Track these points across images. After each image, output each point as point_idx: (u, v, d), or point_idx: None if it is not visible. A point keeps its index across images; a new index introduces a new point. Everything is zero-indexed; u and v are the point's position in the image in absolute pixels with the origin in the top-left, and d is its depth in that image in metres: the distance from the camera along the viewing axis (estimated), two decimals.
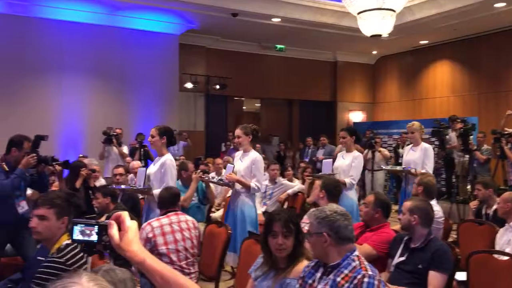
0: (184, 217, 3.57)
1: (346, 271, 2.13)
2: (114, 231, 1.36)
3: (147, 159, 8.23)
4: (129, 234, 1.37)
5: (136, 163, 6.88)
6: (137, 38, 10.34)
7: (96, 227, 1.43)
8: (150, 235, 3.31)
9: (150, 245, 3.30)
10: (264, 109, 14.86)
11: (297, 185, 6.55)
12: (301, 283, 2.31)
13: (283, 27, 10.66)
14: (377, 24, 7.49)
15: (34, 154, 4.28)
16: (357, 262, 2.16)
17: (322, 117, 13.82)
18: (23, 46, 9.19)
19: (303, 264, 2.42)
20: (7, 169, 4.32)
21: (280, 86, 13.03)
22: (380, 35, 7.85)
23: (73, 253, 2.40)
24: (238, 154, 4.79)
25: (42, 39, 9.40)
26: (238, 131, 4.62)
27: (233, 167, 4.64)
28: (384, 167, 7.30)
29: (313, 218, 2.24)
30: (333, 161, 5.41)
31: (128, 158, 8.14)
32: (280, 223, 2.44)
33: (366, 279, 2.05)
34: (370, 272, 2.09)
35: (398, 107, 13.77)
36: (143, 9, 9.64)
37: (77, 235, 1.45)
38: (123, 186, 4.92)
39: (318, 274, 2.26)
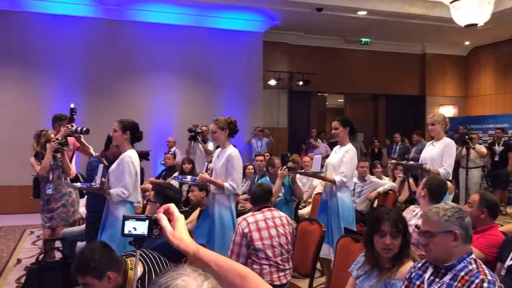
0: (278, 213, 3.57)
1: (462, 274, 1.99)
2: (165, 222, 1.36)
3: None
4: (180, 225, 1.37)
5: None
6: (222, 37, 10.56)
7: (146, 221, 1.45)
8: (246, 230, 3.34)
9: (246, 240, 3.32)
10: (348, 104, 14.56)
11: (387, 183, 6.32)
12: (408, 284, 2.21)
13: (369, 20, 10.36)
14: (472, 13, 7.03)
15: None
16: (474, 266, 2.01)
17: (410, 112, 13.28)
18: (118, 48, 9.75)
19: (409, 264, 2.31)
20: (107, 164, 4.59)
21: (365, 81, 12.70)
22: (475, 25, 7.34)
23: None
24: (217, 151, 4.48)
25: (134, 42, 9.91)
26: (212, 126, 4.24)
27: (207, 165, 4.47)
28: (394, 161, 6.68)
29: (438, 216, 2.09)
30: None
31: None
32: (389, 223, 2.34)
33: (485, 284, 1.90)
34: (489, 277, 1.93)
35: (494, 100, 12.86)
36: (228, 9, 9.82)
37: (128, 230, 1.47)
38: (79, 184, 4.62)
39: (427, 276, 2.14)
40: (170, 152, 8.26)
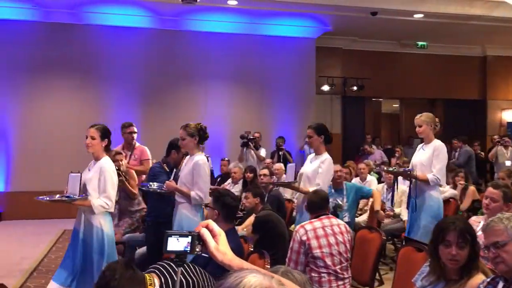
0: (336, 220, 3.52)
1: None
2: (209, 237, 1.37)
3: (286, 162, 8.36)
4: (222, 240, 1.37)
5: (278, 165, 7.03)
6: (275, 44, 10.61)
7: (189, 237, 1.43)
8: (304, 237, 3.31)
9: (304, 248, 3.30)
10: (404, 109, 14.19)
11: (448, 190, 6.09)
12: None
13: (425, 22, 10.08)
14: None
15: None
16: None
17: (470, 117, 12.76)
18: (173, 57, 10.01)
19: (479, 277, 2.21)
20: (168, 169, 4.72)
21: (421, 85, 12.33)
22: None
23: None
24: (186, 158, 4.27)
25: (190, 50, 10.15)
26: (181, 132, 4.06)
27: (173, 173, 4.41)
28: (384, 167, 6.27)
29: (503, 224, 2.00)
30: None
31: (268, 160, 8.36)
32: (455, 233, 2.24)
33: None
34: None
35: None
36: (281, 16, 9.87)
37: (170, 246, 1.45)
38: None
39: None
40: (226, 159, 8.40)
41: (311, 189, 4.11)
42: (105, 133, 3.72)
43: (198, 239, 1.42)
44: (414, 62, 12.35)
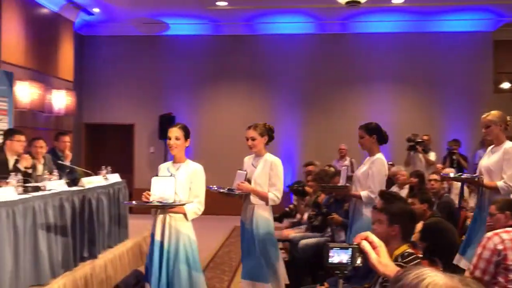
0: None
1: None
2: (370, 249, 1.34)
3: (460, 167, 7.74)
4: (383, 251, 1.33)
5: (449, 170, 6.56)
6: (445, 40, 9.94)
7: (349, 250, 1.42)
8: (500, 246, 3.01)
9: (498, 257, 3.01)
10: None
11: None
12: None
13: None
14: None
15: None
16: None
17: None
18: (336, 61, 10.08)
19: None
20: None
21: None
22: None
23: (414, 262, 2.28)
24: (250, 159, 4.08)
25: (352, 53, 10.10)
26: (251, 132, 3.94)
27: (246, 174, 3.93)
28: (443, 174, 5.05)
29: None
30: None
31: (439, 165, 7.84)
32: None
33: None
34: None
35: None
36: (451, 11, 9.23)
37: (332, 259, 1.45)
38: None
39: None
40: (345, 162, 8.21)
41: (362, 193, 3.88)
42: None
43: (358, 251, 1.43)
44: None
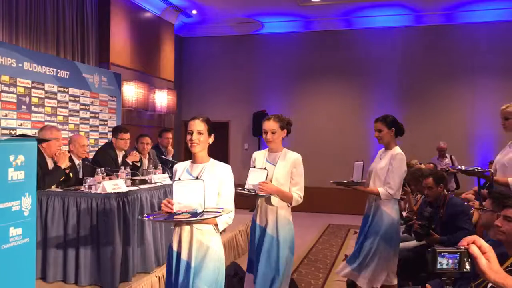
0: None
1: None
2: (479, 254, 1.27)
3: None
4: (493, 256, 1.26)
5: None
6: None
7: (457, 255, 1.36)
8: None
9: None
10: None
11: None
12: None
13: None
14: None
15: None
16: None
17: None
18: (436, 53, 9.58)
19: None
20: None
21: None
22: None
23: None
24: (260, 154, 3.59)
25: (454, 44, 9.54)
26: (272, 124, 3.43)
27: (267, 173, 3.39)
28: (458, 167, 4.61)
29: None
30: None
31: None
32: None
33: None
34: None
35: None
36: None
37: (439, 265, 1.40)
38: None
39: None
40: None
41: (380, 189, 3.68)
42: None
43: (466, 256, 1.37)
44: None
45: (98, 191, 4.07)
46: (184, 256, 2.65)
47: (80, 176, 4.72)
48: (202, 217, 2.48)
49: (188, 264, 2.62)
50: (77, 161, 4.83)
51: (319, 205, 9.60)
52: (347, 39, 10.10)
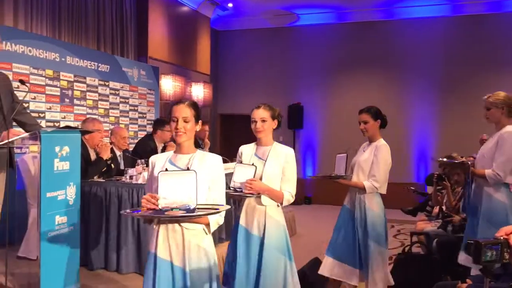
0: None
1: None
2: None
3: None
4: None
5: None
6: None
7: (498, 246, 1.35)
8: None
9: None
10: None
11: None
12: None
13: None
14: None
15: None
16: None
17: None
18: (476, 44, 9.29)
19: None
20: None
21: None
22: None
23: None
24: (248, 148, 3.20)
25: (496, 33, 9.22)
26: (261, 112, 3.08)
27: (255, 169, 2.99)
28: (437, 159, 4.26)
29: None
30: None
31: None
32: None
33: None
34: None
35: None
36: None
37: (485, 257, 1.38)
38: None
39: None
40: None
41: (365, 182, 3.53)
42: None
43: (506, 246, 1.36)
44: None
45: (139, 182, 4.19)
46: (177, 262, 2.27)
47: (121, 167, 4.86)
48: (198, 213, 2.10)
49: (183, 272, 2.26)
50: (118, 153, 4.98)
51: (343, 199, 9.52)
52: (384, 30, 9.92)
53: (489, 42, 9.26)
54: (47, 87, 5.77)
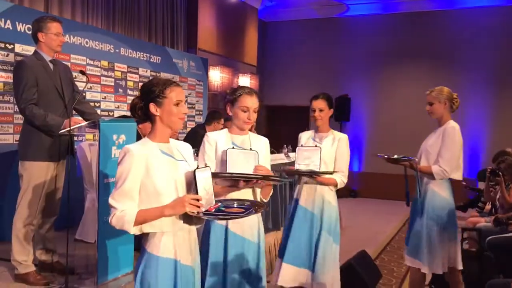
0: None
1: None
2: None
3: None
4: None
5: None
6: None
7: None
8: None
9: None
10: None
11: None
12: None
13: None
14: None
15: None
16: None
17: None
18: None
19: None
20: None
21: None
22: None
23: None
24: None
25: None
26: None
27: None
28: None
29: None
30: None
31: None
32: None
33: None
34: None
35: None
36: None
37: None
38: None
39: None
40: None
41: (336, 177, 3.29)
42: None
43: None
44: None
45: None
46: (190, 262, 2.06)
47: None
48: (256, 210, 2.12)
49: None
50: None
51: (397, 193, 9.37)
52: (436, 21, 9.63)
53: None
54: (102, 78, 5.99)
